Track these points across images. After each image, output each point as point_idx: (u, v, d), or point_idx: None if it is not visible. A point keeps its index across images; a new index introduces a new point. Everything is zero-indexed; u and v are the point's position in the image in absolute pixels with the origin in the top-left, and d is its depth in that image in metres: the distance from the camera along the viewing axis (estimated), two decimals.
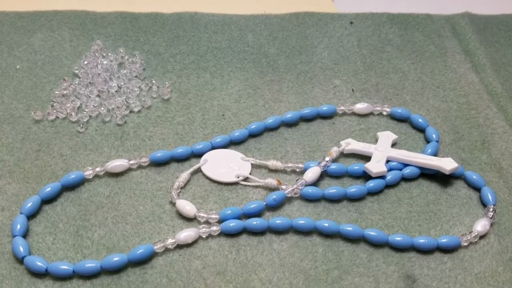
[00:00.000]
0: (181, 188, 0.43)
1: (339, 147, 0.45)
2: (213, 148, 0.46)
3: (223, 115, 0.49)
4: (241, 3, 0.63)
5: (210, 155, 0.45)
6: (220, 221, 0.40)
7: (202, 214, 0.40)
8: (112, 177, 0.43)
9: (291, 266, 0.38)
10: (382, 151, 0.45)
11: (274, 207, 0.42)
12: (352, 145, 0.45)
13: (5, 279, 0.37)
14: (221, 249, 0.39)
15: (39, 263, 0.37)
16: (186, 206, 0.41)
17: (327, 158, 0.44)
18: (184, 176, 0.43)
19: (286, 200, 0.42)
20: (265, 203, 0.41)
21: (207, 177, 0.44)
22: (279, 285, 0.37)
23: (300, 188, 0.42)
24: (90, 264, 0.37)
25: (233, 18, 0.60)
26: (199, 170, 0.44)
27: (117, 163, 0.43)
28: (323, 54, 0.56)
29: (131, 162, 0.44)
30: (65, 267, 0.37)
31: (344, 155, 0.46)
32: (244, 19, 0.60)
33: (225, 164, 0.44)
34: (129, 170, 0.44)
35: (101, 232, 0.40)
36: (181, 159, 0.45)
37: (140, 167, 0.44)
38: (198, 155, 0.45)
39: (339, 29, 0.59)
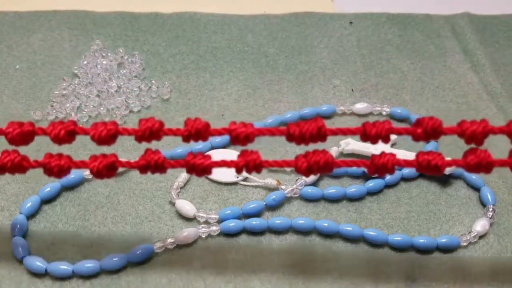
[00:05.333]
0: (181, 188, 0.43)
1: (338, 147, 0.45)
2: (213, 148, 0.46)
3: (222, 115, 0.49)
4: (240, 3, 0.63)
5: (210, 155, 0.45)
6: (220, 221, 0.40)
7: (201, 214, 0.40)
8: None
9: (291, 266, 0.38)
10: (381, 151, 0.45)
11: (273, 207, 0.42)
12: (351, 145, 0.45)
13: (4, 279, 0.37)
14: (220, 249, 0.39)
15: (38, 263, 0.37)
16: (186, 206, 0.41)
17: None
18: (184, 176, 0.43)
19: (286, 200, 0.42)
20: (264, 203, 0.41)
21: (206, 177, 0.44)
22: (278, 285, 0.37)
23: (300, 188, 0.42)
24: (90, 264, 0.37)
25: (232, 18, 0.60)
26: None
27: None
28: (322, 54, 0.56)
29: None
30: (64, 267, 0.37)
31: (343, 155, 0.46)
32: (243, 19, 0.60)
33: None
34: (128, 170, 0.44)
35: (101, 232, 0.40)
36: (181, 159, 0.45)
37: None
38: None
39: (338, 29, 0.59)
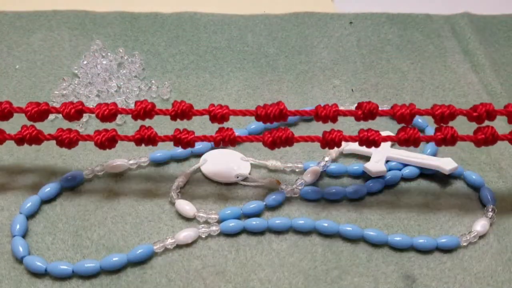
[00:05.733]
0: (181, 188, 0.43)
1: (338, 147, 0.45)
2: (213, 148, 0.46)
3: None
4: (240, 3, 0.63)
5: (210, 155, 0.45)
6: (220, 221, 0.40)
7: (201, 214, 0.40)
8: (112, 177, 0.43)
9: (291, 266, 0.38)
10: (381, 151, 0.45)
11: (273, 207, 0.42)
12: (351, 145, 0.45)
13: (4, 279, 0.37)
14: (220, 249, 0.39)
15: (38, 263, 0.37)
16: (186, 206, 0.41)
17: (326, 158, 0.44)
18: (184, 176, 0.43)
19: (286, 200, 0.42)
20: (264, 203, 0.41)
21: (206, 177, 0.44)
22: (278, 285, 0.37)
23: (300, 188, 0.42)
24: (90, 264, 0.37)
25: (232, 18, 0.60)
26: (198, 170, 0.44)
27: (117, 163, 0.43)
28: (322, 54, 0.56)
29: (131, 162, 0.44)
30: (64, 267, 0.37)
31: (343, 155, 0.46)
32: (243, 19, 0.60)
33: (225, 164, 0.44)
34: (128, 170, 0.44)
35: (101, 232, 0.40)
36: (181, 159, 0.45)
37: (139, 167, 0.44)
38: (198, 155, 0.45)
39: (338, 29, 0.59)
